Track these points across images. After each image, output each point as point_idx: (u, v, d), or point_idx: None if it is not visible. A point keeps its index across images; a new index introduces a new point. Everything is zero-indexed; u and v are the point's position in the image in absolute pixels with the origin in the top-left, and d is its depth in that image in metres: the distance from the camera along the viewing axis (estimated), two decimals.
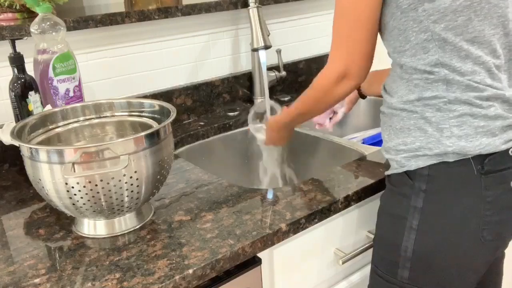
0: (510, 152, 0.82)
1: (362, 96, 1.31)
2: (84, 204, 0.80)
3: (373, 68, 0.94)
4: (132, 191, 0.82)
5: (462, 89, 0.81)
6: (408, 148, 0.85)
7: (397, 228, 0.87)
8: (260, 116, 1.34)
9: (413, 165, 0.85)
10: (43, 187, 0.81)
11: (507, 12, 0.81)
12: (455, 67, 0.80)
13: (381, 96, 0.95)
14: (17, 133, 0.85)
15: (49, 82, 1.06)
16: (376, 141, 1.45)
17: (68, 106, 0.99)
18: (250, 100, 1.56)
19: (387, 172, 0.92)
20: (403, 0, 0.80)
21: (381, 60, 1.00)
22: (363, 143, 1.42)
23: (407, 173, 0.86)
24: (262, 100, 1.36)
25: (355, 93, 1.28)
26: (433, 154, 0.83)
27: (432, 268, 0.86)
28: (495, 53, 0.81)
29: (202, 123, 1.41)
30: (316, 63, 1.72)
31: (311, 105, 1.01)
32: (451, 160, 0.82)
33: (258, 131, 1.30)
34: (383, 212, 0.93)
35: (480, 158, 0.81)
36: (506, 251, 1.01)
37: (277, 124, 1.15)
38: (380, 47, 0.91)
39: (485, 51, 0.80)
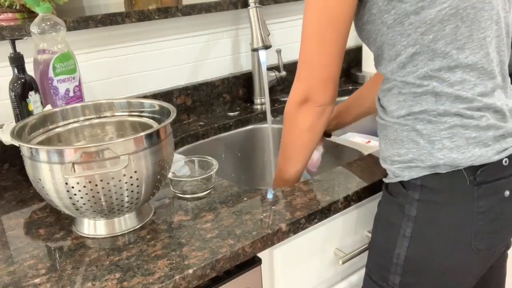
0: (504, 162, 0.82)
1: (327, 134, 1.23)
2: (84, 204, 0.80)
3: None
4: (132, 191, 0.82)
5: (451, 100, 0.80)
6: (402, 159, 0.86)
7: (390, 235, 0.88)
8: None
9: (406, 175, 0.85)
10: (43, 187, 0.81)
11: (492, 14, 0.80)
12: (444, 78, 0.80)
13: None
14: (17, 133, 0.85)
15: (49, 82, 1.06)
16: None
17: (68, 106, 0.99)
18: (250, 100, 1.56)
19: (385, 180, 0.92)
20: (388, 16, 0.79)
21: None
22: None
23: (402, 183, 0.87)
24: None
25: None
26: (425, 166, 0.83)
27: (423, 276, 0.86)
28: (488, 56, 0.81)
29: (202, 123, 1.41)
30: None
31: (284, 141, 0.99)
32: (443, 171, 0.82)
33: None
34: (379, 218, 0.94)
35: (473, 169, 0.81)
36: (509, 251, 1.01)
37: (278, 184, 1.06)
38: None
39: (477, 56, 0.80)
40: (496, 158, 0.81)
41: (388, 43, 0.82)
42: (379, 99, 0.92)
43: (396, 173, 0.87)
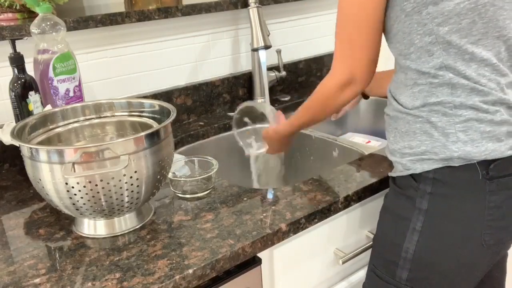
0: None
1: (365, 96, 1.31)
2: (84, 204, 0.80)
3: (379, 69, 0.93)
4: (132, 191, 0.82)
5: (467, 93, 0.80)
6: (414, 152, 0.85)
7: (399, 229, 0.87)
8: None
9: (418, 168, 0.85)
10: (43, 187, 0.81)
11: None
12: (459, 70, 0.80)
13: (384, 97, 0.95)
14: (17, 133, 0.85)
15: (49, 82, 1.06)
16: None
17: (68, 106, 0.99)
18: (250, 100, 1.56)
19: (392, 174, 0.92)
20: (407, 3, 0.80)
21: (388, 62, 1.00)
22: None
23: (413, 175, 0.86)
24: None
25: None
26: (438, 159, 0.82)
27: (432, 270, 0.86)
28: (499, 55, 0.81)
29: (202, 123, 1.41)
30: (316, 63, 1.72)
31: (314, 113, 1.00)
32: (456, 164, 0.82)
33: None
34: (386, 212, 0.93)
35: (486, 163, 0.81)
36: (510, 250, 1.01)
37: (278, 135, 1.13)
38: (386, 49, 0.91)
39: (489, 53, 0.80)
40: (509, 153, 0.81)
41: (404, 31, 0.82)
42: (390, 91, 0.92)
43: (407, 165, 0.86)
